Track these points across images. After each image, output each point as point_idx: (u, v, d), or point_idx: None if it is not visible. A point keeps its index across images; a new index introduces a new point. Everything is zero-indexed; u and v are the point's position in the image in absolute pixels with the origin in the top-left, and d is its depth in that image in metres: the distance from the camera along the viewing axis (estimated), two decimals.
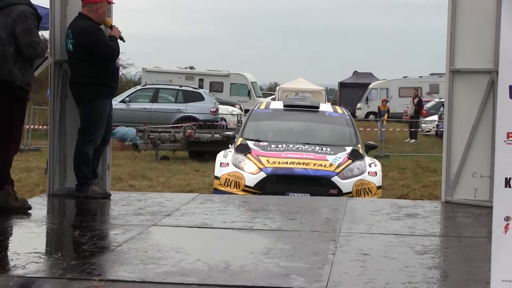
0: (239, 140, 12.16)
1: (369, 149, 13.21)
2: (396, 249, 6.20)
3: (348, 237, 6.60)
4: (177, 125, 23.36)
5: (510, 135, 4.69)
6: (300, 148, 11.64)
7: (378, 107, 35.70)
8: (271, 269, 5.39)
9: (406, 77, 50.04)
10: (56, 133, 8.82)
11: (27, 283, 4.96)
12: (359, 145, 12.18)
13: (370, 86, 51.02)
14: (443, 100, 20.02)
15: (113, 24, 8.61)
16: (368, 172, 11.08)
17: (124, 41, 8.69)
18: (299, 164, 10.97)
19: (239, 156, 11.25)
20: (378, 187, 10.96)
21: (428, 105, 37.49)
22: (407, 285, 5.06)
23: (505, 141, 4.70)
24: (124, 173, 13.85)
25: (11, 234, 6.65)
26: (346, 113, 13.57)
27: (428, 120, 33.38)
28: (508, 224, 4.72)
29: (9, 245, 6.11)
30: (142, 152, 19.21)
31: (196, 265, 5.48)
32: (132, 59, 73.00)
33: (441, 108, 29.04)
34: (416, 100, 31.80)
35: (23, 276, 5.09)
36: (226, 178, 10.86)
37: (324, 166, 10.96)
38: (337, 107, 14.28)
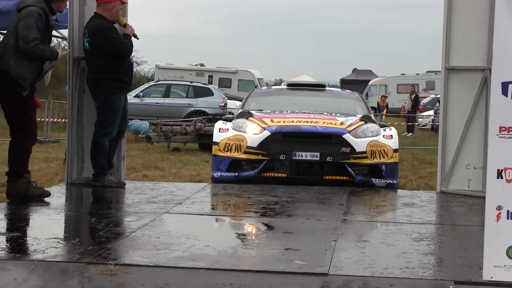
0: (239, 112, 10.79)
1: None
2: (394, 236, 6.19)
3: (349, 225, 6.59)
4: (188, 118, 23.31)
5: (502, 129, 4.69)
6: (307, 112, 10.15)
7: (378, 102, 35.65)
8: (276, 255, 5.38)
9: (404, 74, 49.88)
10: (74, 126, 8.83)
11: (47, 266, 4.96)
12: (372, 115, 10.77)
13: (369, 83, 50.88)
14: (438, 96, 19.97)
15: (127, 23, 8.61)
16: (384, 136, 9.59)
17: (138, 39, 8.69)
18: (307, 122, 9.57)
19: (241, 120, 9.83)
20: (395, 150, 9.48)
21: (425, 100, 37.37)
22: (404, 270, 5.05)
23: (497, 135, 4.70)
24: (138, 164, 13.83)
25: (32, 220, 6.66)
26: (356, 93, 12.48)
27: (424, 115, 33.32)
28: (499, 213, 4.71)
29: (29, 231, 6.12)
30: (155, 144, 19.19)
31: (205, 250, 5.48)
32: (146, 56, 73.06)
33: (437, 104, 28.95)
34: (413, 96, 31.71)
35: (43, 260, 5.10)
36: (226, 143, 9.44)
37: (335, 124, 9.57)
38: (346, 90, 13.07)
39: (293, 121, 9.56)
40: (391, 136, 9.60)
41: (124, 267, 4.94)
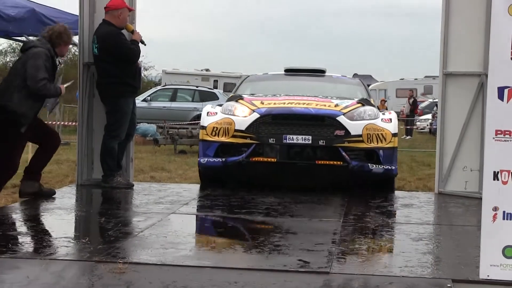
0: (230, 96, 9.90)
1: None
2: (394, 236, 6.19)
3: (349, 225, 6.58)
4: (193, 122, 23.32)
5: (498, 132, 4.69)
6: (301, 95, 9.25)
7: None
8: (279, 254, 5.38)
9: (403, 79, 49.85)
10: (84, 129, 8.85)
11: (58, 265, 4.97)
12: (371, 100, 9.76)
13: (369, 87, 50.93)
14: (436, 100, 19.94)
15: (134, 29, 8.62)
16: (382, 119, 8.69)
17: (145, 45, 8.70)
18: (299, 104, 8.65)
19: (230, 103, 8.99)
20: (394, 135, 8.56)
21: (423, 105, 37.37)
22: (403, 268, 5.04)
23: (493, 138, 4.70)
24: (146, 166, 13.83)
25: (43, 220, 6.67)
26: (357, 78, 11.31)
27: (422, 119, 33.31)
28: (496, 214, 4.71)
29: (41, 230, 6.13)
30: (162, 146, 19.20)
31: (210, 249, 5.49)
32: (153, 62, 72.96)
33: (435, 108, 28.96)
34: (411, 100, 31.71)
35: (54, 259, 5.10)
36: (214, 127, 8.57)
37: (329, 106, 8.67)
38: (347, 75, 11.60)
39: (284, 103, 8.68)
40: (390, 119, 8.75)
41: (133, 266, 4.94)
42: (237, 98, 9.06)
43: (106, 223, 6.45)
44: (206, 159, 8.62)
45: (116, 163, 8.53)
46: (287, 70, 10.82)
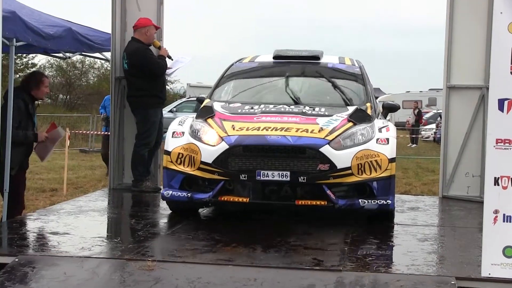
0: (204, 102, 7.63)
1: (388, 111, 8.54)
2: (401, 237, 6.16)
3: (360, 227, 6.56)
4: None
5: (499, 141, 4.68)
6: (282, 109, 6.97)
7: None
8: (295, 253, 5.38)
9: (409, 91, 49.69)
10: (116, 138, 8.89)
11: (92, 262, 4.99)
12: (368, 104, 7.36)
13: (378, 100, 50.67)
14: (440, 111, 19.94)
15: (161, 45, 8.67)
16: (377, 140, 6.55)
17: (172, 60, 8.75)
18: (276, 130, 6.44)
19: (198, 122, 6.85)
20: (391, 160, 6.44)
21: (427, 115, 37.27)
22: (410, 267, 5.03)
23: (494, 146, 4.70)
24: None
25: (79, 222, 6.69)
26: (357, 64, 8.20)
27: (427, 128, 33.25)
28: (496, 216, 4.70)
29: (77, 231, 6.15)
30: None
31: (233, 248, 5.49)
32: (179, 75, 73.19)
33: (438, 118, 28.89)
34: (416, 111, 31.65)
35: (89, 256, 5.12)
36: (179, 153, 6.62)
37: (311, 131, 6.44)
38: (346, 58, 8.40)
39: (258, 129, 6.49)
40: (387, 140, 6.59)
41: (160, 263, 4.95)
42: (208, 114, 6.98)
43: (136, 224, 6.47)
44: (170, 192, 6.65)
45: (145, 169, 8.56)
46: (276, 57, 8.16)
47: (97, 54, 9.68)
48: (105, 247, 5.60)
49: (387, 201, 6.44)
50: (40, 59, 36.98)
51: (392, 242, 6.00)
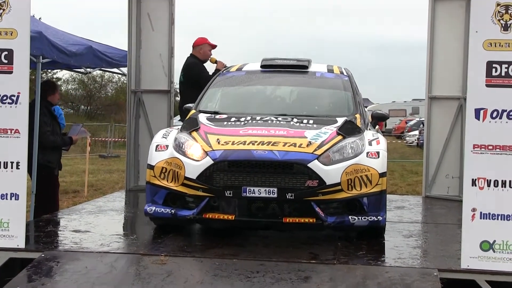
0: (190, 113, 6.75)
1: (377, 120, 7.60)
2: (388, 233, 6.14)
3: None
4: None
5: (475, 146, 4.71)
6: (270, 121, 6.15)
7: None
8: (294, 249, 5.38)
9: (394, 101, 49.81)
10: (132, 144, 8.89)
11: (111, 257, 4.99)
12: (357, 115, 6.56)
13: (366, 109, 50.79)
14: (422, 119, 19.98)
15: (217, 60, 8.64)
16: (367, 153, 5.73)
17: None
18: (263, 144, 5.61)
19: (182, 136, 5.99)
20: (381, 175, 5.68)
21: (411, 123, 37.31)
22: (397, 260, 5.02)
23: (471, 151, 4.73)
24: None
25: (98, 220, 6.69)
26: (345, 73, 7.30)
27: (411, 134, 33.29)
28: (474, 214, 4.73)
29: (97, 228, 6.13)
30: None
31: (237, 245, 5.48)
32: None
33: (421, 125, 28.89)
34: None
35: (108, 252, 5.12)
36: (163, 167, 5.79)
37: (300, 146, 5.61)
38: (335, 66, 7.51)
39: (244, 143, 5.66)
40: (378, 153, 5.78)
41: (172, 258, 4.94)
42: (193, 126, 6.12)
43: (150, 223, 6.45)
44: (153, 208, 5.83)
45: None
46: (264, 66, 7.33)
47: (115, 69, 9.72)
48: (122, 243, 5.59)
49: (378, 217, 5.63)
50: (63, 74, 37.10)
51: (381, 238, 5.98)
